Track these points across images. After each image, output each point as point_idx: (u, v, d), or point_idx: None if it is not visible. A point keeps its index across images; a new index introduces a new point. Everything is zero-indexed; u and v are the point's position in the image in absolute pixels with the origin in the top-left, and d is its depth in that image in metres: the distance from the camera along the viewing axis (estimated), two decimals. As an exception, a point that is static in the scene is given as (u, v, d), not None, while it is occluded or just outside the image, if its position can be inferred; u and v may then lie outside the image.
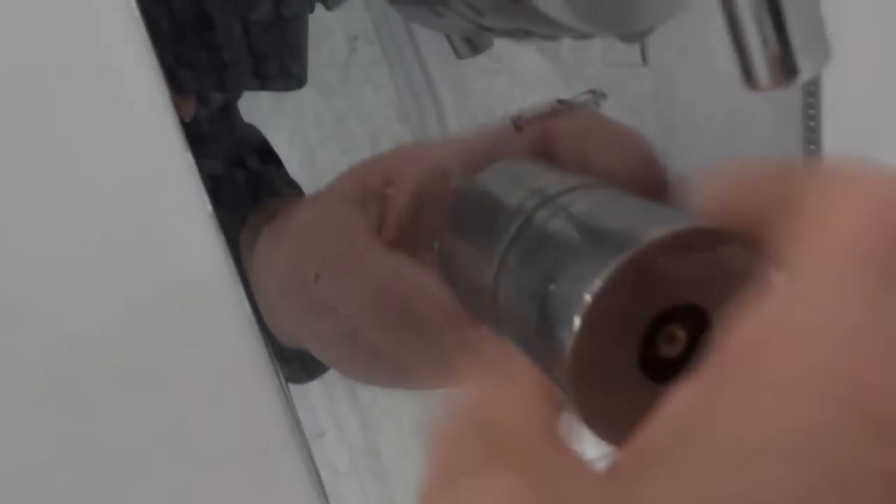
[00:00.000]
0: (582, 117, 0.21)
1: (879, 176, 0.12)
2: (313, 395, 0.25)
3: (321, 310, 0.19)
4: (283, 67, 0.21)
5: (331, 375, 0.25)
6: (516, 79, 0.24)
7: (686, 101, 0.26)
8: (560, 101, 0.25)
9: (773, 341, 0.10)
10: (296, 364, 0.24)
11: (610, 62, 0.25)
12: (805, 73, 0.14)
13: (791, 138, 0.30)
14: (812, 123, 0.30)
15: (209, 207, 0.22)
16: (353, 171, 0.21)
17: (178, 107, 0.21)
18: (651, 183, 0.19)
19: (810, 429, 0.09)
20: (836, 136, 0.30)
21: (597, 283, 0.14)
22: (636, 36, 0.20)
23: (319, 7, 0.21)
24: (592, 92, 0.25)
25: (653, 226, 0.15)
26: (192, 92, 0.20)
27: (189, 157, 0.21)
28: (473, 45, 0.24)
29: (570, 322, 0.14)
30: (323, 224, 0.19)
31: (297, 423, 0.25)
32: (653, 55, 0.25)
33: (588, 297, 0.14)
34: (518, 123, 0.25)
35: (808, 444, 0.09)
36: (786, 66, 0.15)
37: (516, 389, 0.14)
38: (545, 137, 0.20)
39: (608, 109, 0.26)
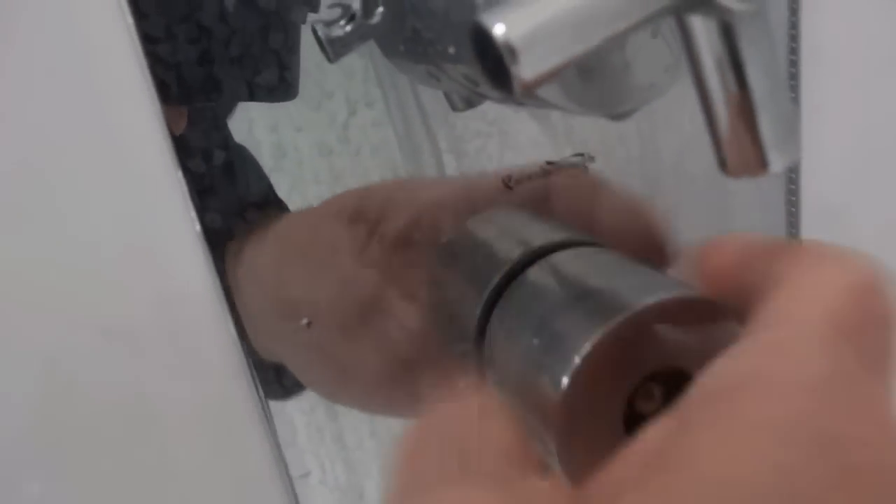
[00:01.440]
0: (586, 178, 0.22)
1: (849, 256, 0.13)
2: (300, 435, 0.25)
3: (296, 315, 0.20)
4: (279, 76, 0.22)
5: (317, 416, 0.26)
6: (508, 141, 0.25)
7: (670, 163, 0.28)
8: (549, 163, 0.26)
9: (746, 386, 0.11)
10: (273, 380, 0.25)
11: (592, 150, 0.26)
12: (774, 167, 0.15)
13: (775, 203, 0.31)
14: (792, 187, 0.31)
15: (197, 227, 0.23)
16: (350, 192, 0.21)
17: (169, 119, 0.21)
18: (654, 247, 0.20)
19: (778, 468, 0.10)
20: (815, 187, 0.31)
21: (586, 347, 0.15)
22: (624, 115, 0.21)
23: (319, 70, 0.22)
24: (581, 154, 0.27)
25: (643, 292, 0.16)
26: (182, 103, 0.21)
27: (179, 174, 0.22)
28: (469, 100, 0.25)
29: (559, 381, 0.15)
30: (312, 232, 0.20)
31: (282, 462, 0.26)
32: (639, 121, 0.27)
33: (577, 360, 0.15)
34: (509, 183, 0.26)
35: (775, 482, 0.10)
36: (756, 160, 0.16)
37: (489, 407, 0.14)
38: (543, 193, 0.21)
39: (596, 171, 0.27)
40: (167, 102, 0.20)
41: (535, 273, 0.18)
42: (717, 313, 0.15)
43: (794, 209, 0.30)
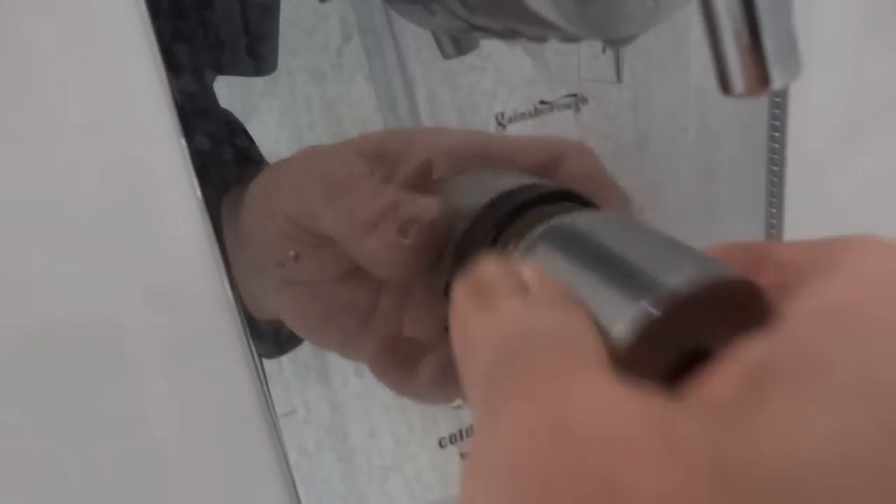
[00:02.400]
0: (587, 163, 0.21)
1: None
2: (285, 373, 0.25)
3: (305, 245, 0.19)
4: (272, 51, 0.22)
5: (304, 355, 0.26)
6: (502, 77, 0.25)
7: (662, 111, 0.28)
8: (542, 102, 0.26)
9: (863, 303, 0.11)
10: (268, 338, 0.24)
11: (586, 77, 0.26)
12: (777, 83, 0.15)
13: (757, 157, 0.32)
14: (776, 145, 0.31)
15: (198, 193, 0.22)
16: (374, 134, 0.21)
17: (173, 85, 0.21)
18: None
19: None
20: (800, 152, 0.32)
21: (622, 329, 0.13)
22: (620, 42, 0.21)
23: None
24: (574, 95, 0.26)
25: (678, 270, 0.14)
26: (187, 69, 0.21)
27: (183, 141, 0.22)
28: (460, 45, 0.25)
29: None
30: (334, 162, 0.19)
31: (267, 400, 0.26)
32: (633, 66, 0.27)
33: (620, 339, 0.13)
34: (501, 121, 0.26)
35: None
36: (759, 76, 0.16)
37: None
38: (551, 167, 0.21)
39: (587, 114, 0.27)
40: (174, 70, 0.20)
41: (552, 233, 0.17)
42: (755, 295, 0.15)
43: (776, 167, 0.31)
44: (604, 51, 0.26)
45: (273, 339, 0.25)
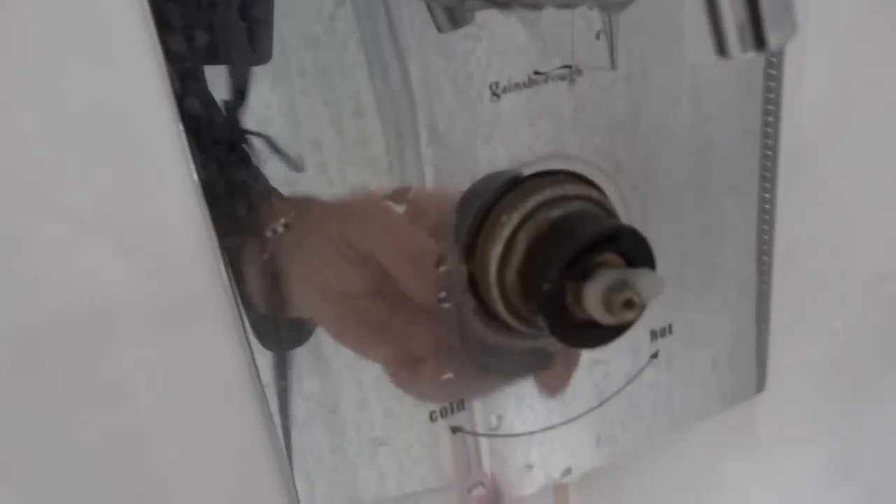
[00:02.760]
0: None
1: None
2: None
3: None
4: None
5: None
6: (496, 46, 0.25)
7: (656, 85, 0.27)
8: (537, 73, 0.26)
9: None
10: (271, 334, 0.25)
11: (580, 63, 0.26)
12: (773, 44, 0.15)
13: (750, 134, 0.31)
14: (770, 118, 0.31)
15: (194, 173, 0.22)
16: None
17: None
18: None
19: None
20: (794, 129, 0.32)
21: None
22: (614, 6, 0.21)
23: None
24: (568, 67, 0.26)
25: None
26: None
27: (180, 126, 0.21)
28: (454, 18, 0.24)
29: None
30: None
31: (254, 370, 0.25)
32: (627, 40, 0.26)
33: None
34: (495, 91, 0.26)
35: None
36: (756, 37, 0.16)
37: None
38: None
39: (582, 86, 0.27)
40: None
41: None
42: None
43: (770, 141, 0.31)
44: (598, 37, 0.26)
45: (275, 337, 0.25)
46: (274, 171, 0.23)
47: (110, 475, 0.25)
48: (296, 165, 0.23)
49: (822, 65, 0.32)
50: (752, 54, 0.16)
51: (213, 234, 0.23)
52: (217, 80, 0.21)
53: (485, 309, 0.28)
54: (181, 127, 0.21)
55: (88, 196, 0.22)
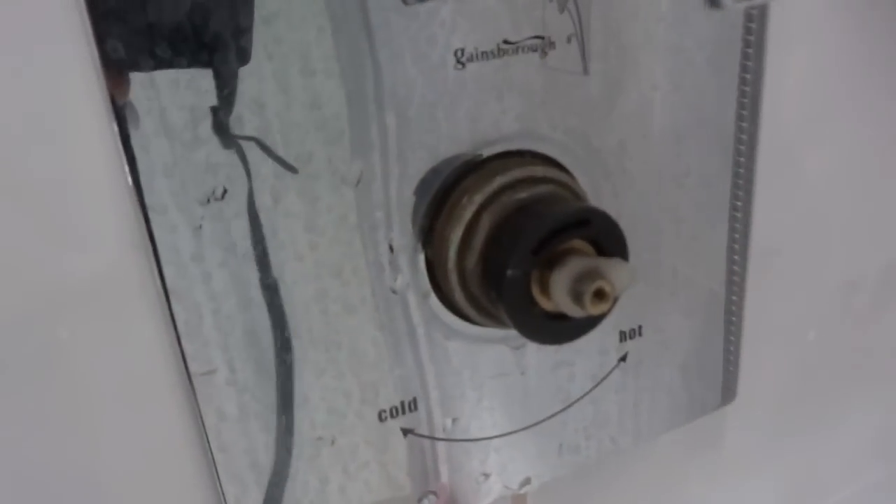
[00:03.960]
0: None
1: None
2: (205, 325, 0.22)
3: None
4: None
5: (227, 304, 0.23)
6: (463, 10, 0.22)
7: (633, 64, 0.26)
8: (506, 42, 0.24)
9: None
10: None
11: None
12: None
13: (726, 123, 0.30)
14: (744, 112, 0.30)
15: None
16: None
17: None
18: None
19: None
20: (772, 134, 0.31)
21: None
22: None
23: None
24: (540, 38, 0.24)
25: None
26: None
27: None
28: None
29: None
30: None
31: (180, 357, 0.23)
32: (605, 13, 0.25)
33: None
34: (460, 58, 0.23)
35: None
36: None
37: None
38: None
39: (555, 60, 0.25)
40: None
41: None
42: None
43: (744, 136, 0.29)
44: (561, 11, 0.24)
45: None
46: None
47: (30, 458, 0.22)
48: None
49: (803, 60, 0.31)
50: (744, 4, 0.14)
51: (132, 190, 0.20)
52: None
53: (442, 298, 0.26)
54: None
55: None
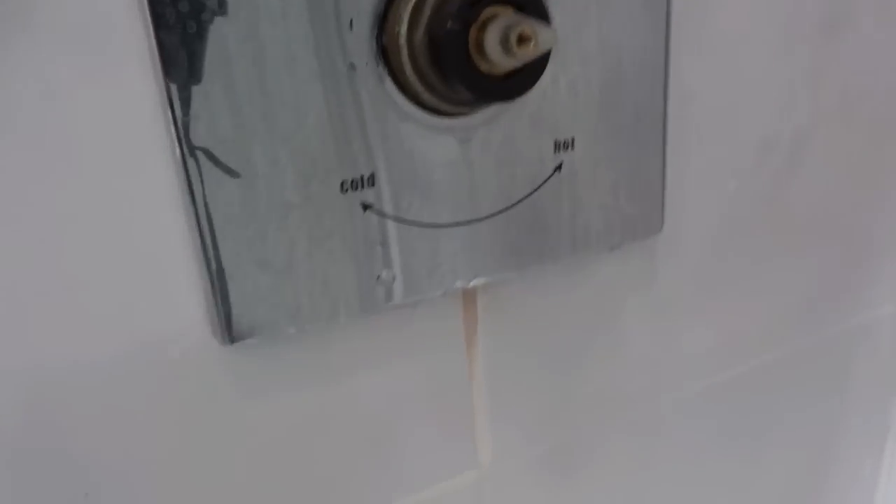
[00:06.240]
0: None
1: None
2: (196, 100, 0.26)
3: None
4: None
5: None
6: None
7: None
8: None
9: None
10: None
11: None
12: None
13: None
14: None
15: None
16: None
17: None
18: None
19: None
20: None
21: None
22: None
23: None
24: None
25: None
26: None
27: None
28: None
29: None
30: None
31: (175, 123, 0.26)
32: None
33: None
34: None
35: None
36: None
37: None
38: None
39: None
40: None
41: None
42: None
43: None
44: None
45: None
46: None
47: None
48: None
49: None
50: None
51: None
52: None
53: (396, 82, 0.29)
54: None
55: None
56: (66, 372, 0.28)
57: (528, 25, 0.25)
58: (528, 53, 0.26)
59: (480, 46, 0.27)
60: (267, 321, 0.30)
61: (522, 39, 0.25)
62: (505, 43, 0.26)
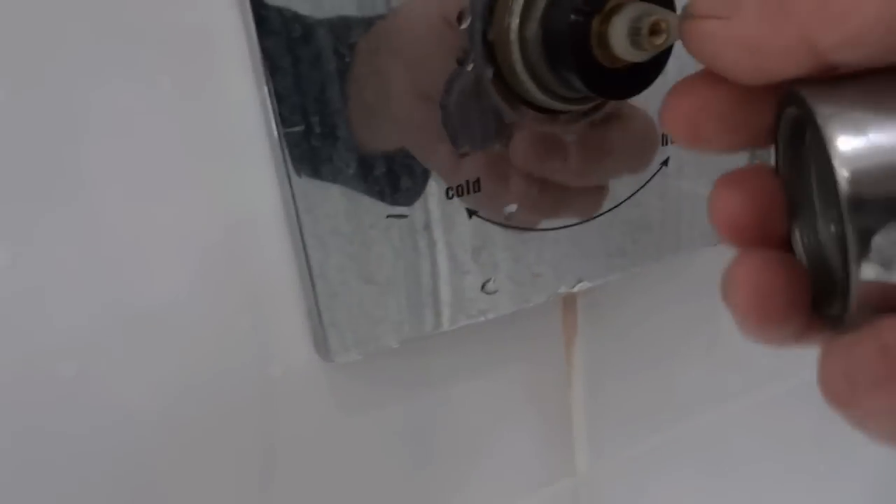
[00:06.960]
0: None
1: None
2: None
3: None
4: None
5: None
6: None
7: None
8: None
9: None
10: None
11: None
12: None
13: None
14: None
15: None
16: None
17: None
18: None
19: None
20: None
21: None
22: None
23: None
24: None
25: None
26: None
27: None
28: None
29: None
30: None
31: (274, 111, 0.25)
32: None
33: None
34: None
35: None
36: None
37: None
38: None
39: None
40: None
41: None
42: None
43: None
44: None
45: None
46: None
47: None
48: None
49: None
50: None
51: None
52: None
53: (503, 79, 0.27)
54: None
55: None
56: (168, 391, 0.27)
57: (661, 16, 0.23)
58: (659, 46, 0.23)
59: (603, 39, 0.24)
60: (370, 336, 0.29)
61: (654, 31, 0.23)
62: (635, 35, 0.23)
